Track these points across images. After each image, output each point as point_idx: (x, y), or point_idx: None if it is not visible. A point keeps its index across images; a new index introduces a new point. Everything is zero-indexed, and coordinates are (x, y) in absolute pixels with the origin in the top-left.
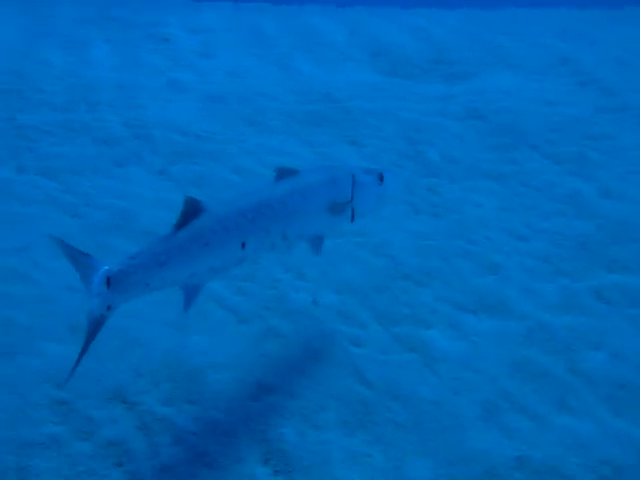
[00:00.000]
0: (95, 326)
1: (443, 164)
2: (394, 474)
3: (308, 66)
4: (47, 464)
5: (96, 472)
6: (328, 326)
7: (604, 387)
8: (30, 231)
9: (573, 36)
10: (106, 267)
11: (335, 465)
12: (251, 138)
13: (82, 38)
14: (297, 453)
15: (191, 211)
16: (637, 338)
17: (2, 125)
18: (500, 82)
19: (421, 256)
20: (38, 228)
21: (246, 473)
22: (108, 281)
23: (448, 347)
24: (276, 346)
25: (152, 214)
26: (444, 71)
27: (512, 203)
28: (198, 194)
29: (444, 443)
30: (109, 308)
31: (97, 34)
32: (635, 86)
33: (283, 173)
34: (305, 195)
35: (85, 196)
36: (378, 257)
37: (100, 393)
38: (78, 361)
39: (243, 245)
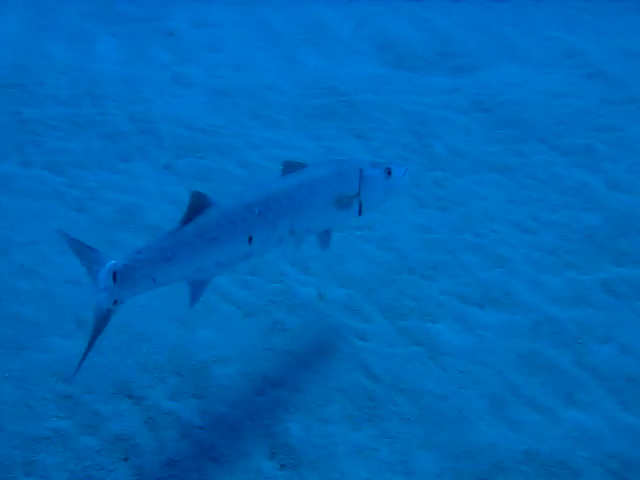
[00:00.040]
0: (102, 321)
1: (449, 157)
2: (400, 468)
3: (314, 59)
4: (53, 459)
5: (102, 467)
6: (334, 320)
7: (612, 381)
8: (36, 226)
9: (579, 27)
10: (112, 262)
11: (341, 459)
12: (257, 132)
13: (87, 32)
14: (303, 447)
15: (197, 205)
16: None
17: (7, 119)
18: (506, 74)
19: (427, 249)
20: (44, 223)
21: (252, 467)
22: (114, 276)
23: (454, 340)
24: (282, 340)
25: (158, 208)
26: (450, 63)
27: (519, 196)
28: (204, 188)
29: (450, 437)
30: (116, 303)
31: (102, 28)
32: None
33: (290, 167)
34: (312, 189)
35: (91, 191)
36: (384, 250)
37: (106, 388)
38: (85, 356)
39: (250, 239)
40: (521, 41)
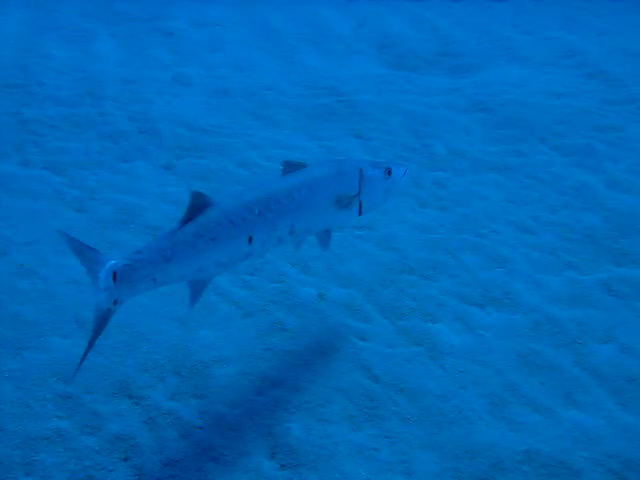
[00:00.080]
0: (102, 321)
1: (449, 157)
2: (400, 468)
3: (314, 59)
4: (53, 459)
5: (102, 466)
6: (334, 320)
7: (612, 381)
8: (36, 226)
9: (580, 27)
10: (113, 262)
11: (341, 459)
12: (257, 132)
13: (87, 32)
14: (303, 447)
15: (197, 205)
16: None
17: (7, 120)
18: (506, 74)
19: (427, 249)
20: (44, 223)
21: (252, 467)
22: (114, 276)
23: (454, 340)
24: (281, 340)
25: (158, 208)
26: (450, 63)
27: (519, 196)
28: (204, 188)
29: (450, 437)
30: (115, 303)
31: (102, 28)
32: None
33: (290, 167)
34: (312, 189)
35: (91, 191)
36: (384, 250)
37: (106, 388)
38: (84, 356)
39: (250, 240)
40: (521, 41)
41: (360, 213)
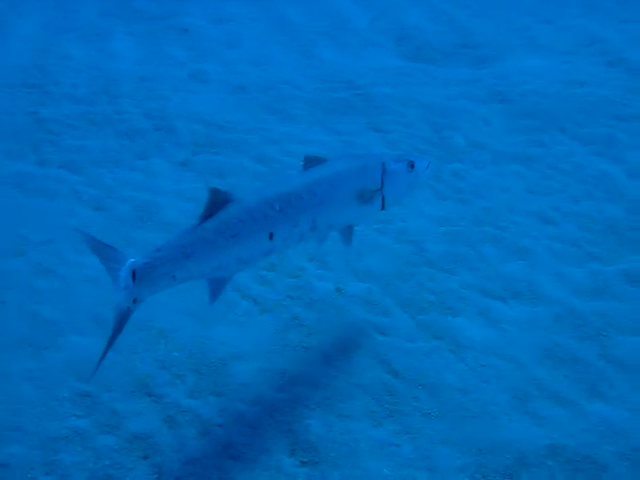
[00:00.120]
0: (121, 319)
1: (468, 149)
2: (423, 464)
3: (331, 53)
4: (72, 458)
5: (122, 465)
6: (352, 315)
7: (638, 373)
8: (53, 225)
9: (600, 15)
10: (132, 260)
11: (363, 456)
12: (274, 127)
13: (104, 31)
14: (324, 444)
15: (217, 202)
16: None
17: (25, 119)
18: (526, 64)
19: (446, 242)
20: (61, 221)
21: (272, 464)
22: (134, 274)
23: (476, 334)
24: (300, 336)
25: (175, 205)
26: (469, 55)
27: (539, 186)
28: (221, 184)
29: (473, 432)
30: (135, 301)
31: (119, 26)
32: None
33: (311, 162)
34: (334, 184)
35: (108, 189)
36: (402, 244)
37: (125, 386)
38: (104, 355)
39: (271, 236)
40: (541, 30)
41: (383, 207)
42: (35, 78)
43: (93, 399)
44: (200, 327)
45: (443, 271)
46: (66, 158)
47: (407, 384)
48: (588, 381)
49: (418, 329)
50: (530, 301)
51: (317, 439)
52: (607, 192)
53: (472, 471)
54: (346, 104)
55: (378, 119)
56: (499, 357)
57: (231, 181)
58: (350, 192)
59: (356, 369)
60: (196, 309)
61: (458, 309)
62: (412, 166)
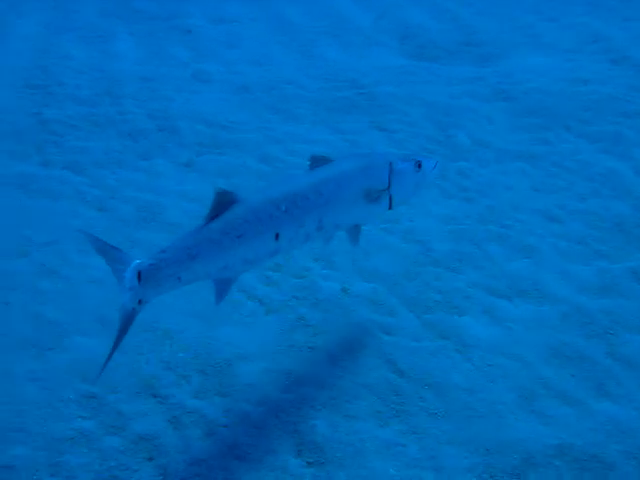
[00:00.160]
0: (127, 320)
1: (473, 147)
2: (429, 464)
3: (334, 52)
4: (78, 459)
5: (127, 467)
6: (358, 314)
7: None
8: (57, 225)
9: (604, 13)
10: (138, 261)
11: (369, 456)
12: (277, 126)
13: (105, 31)
14: (330, 444)
15: (223, 202)
16: None
17: (28, 120)
18: (530, 62)
19: (452, 241)
20: (65, 222)
21: (278, 465)
22: (139, 275)
23: (482, 333)
24: (306, 336)
25: (178, 206)
26: (472, 53)
27: (545, 184)
28: (225, 184)
29: (480, 431)
30: (141, 302)
31: (121, 27)
32: None
33: (317, 161)
34: (340, 184)
35: (111, 189)
36: (408, 243)
37: (130, 387)
38: (110, 356)
39: (277, 236)
40: (544, 28)
41: (390, 207)
42: (39, 79)
43: (99, 400)
44: (205, 328)
45: (449, 270)
46: (70, 159)
47: (413, 384)
48: (595, 380)
49: (424, 328)
50: (536, 299)
51: (323, 439)
52: (614, 189)
53: (479, 471)
54: (350, 103)
55: (382, 118)
56: (505, 356)
57: (235, 181)
58: (357, 192)
59: (362, 369)
60: (201, 310)
61: (464, 308)
62: (419, 165)
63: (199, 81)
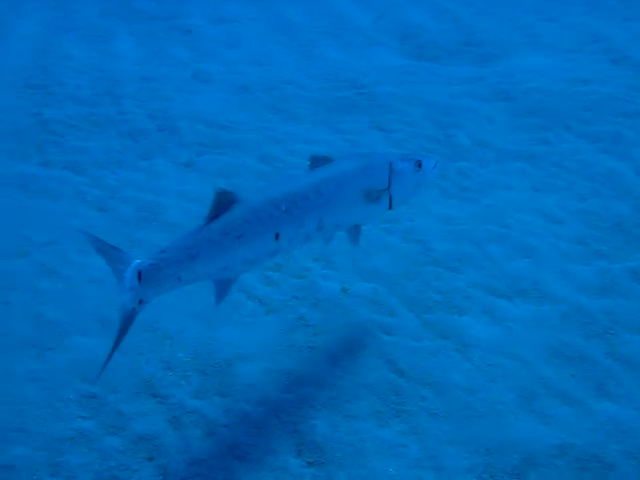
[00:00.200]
0: (127, 320)
1: (473, 147)
2: (429, 464)
3: (334, 52)
4: (78, 459)
5: (127, 467)
6: (358, 314)
7: None
8: (57, 226)
9: (604, 13)
10: (138, 261)
11: (369, 456)
12: (277, 126)
13: (105, 31)
14: (330, 444)
15: (223, 203)
16: None
17: (28, 120)
18: (530, 62)
19: (452, 241)
20: (65, 222)
21: (278, 465)
22: (140, 275)
23: (482, 333)
24: (305, 336)
25: (178, 206)
26: (472, 53)
27: (545, 184)
28: (225, 184)
29: (480, 431)
30: (141, 302)
31: (121, 27)
32: None
33: (317, 161)
34: (340, 184)
35: (111, 189)
36: (408, 243)
37: (130, 387)
38: (110, 356)
39: (277, 236)
40: (544, 28)
41: (390, 207)
42: (38, 79)
43: (99, 400)
44: (205, 328)
45: (449, 270)
46: (70, 159)
47: (413, 384)
48: (595, 380)
49: (424, 328)
50: (536, 299)
51: (323, 439)
52: (614, 189)
53: (479, 471)
54: (350, 103)
55: (382, 118)
56: (505, 356)
57: (235, 181)
58: (357, 192)
59: (362, 369)
60: (201, 310)
61: (464, 308)
62: (419, 165)
63: (199, 81)
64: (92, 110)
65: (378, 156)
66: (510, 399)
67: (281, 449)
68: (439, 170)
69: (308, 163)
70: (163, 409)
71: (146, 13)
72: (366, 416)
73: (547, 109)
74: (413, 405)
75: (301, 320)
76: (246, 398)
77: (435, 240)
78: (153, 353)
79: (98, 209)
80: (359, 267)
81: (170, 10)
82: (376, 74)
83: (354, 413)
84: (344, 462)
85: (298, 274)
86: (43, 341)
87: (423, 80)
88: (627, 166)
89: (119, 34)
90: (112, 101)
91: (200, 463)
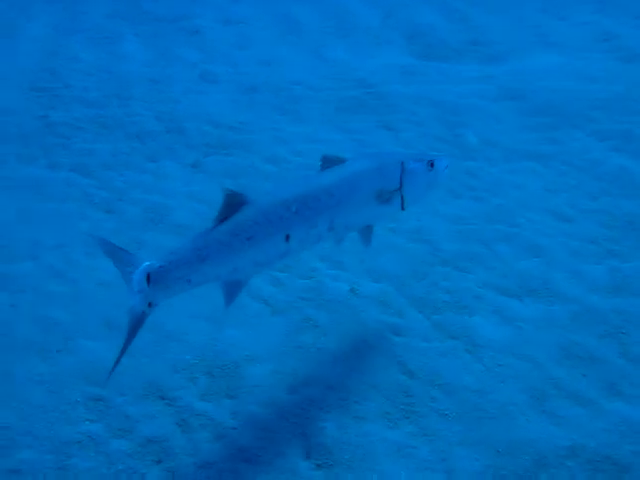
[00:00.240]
0: (136, 323)
1: (481, 146)
2: (440, 466)
3: (341, 52)
4: (85, 463)
5: (135, 470)
6: (366, 315)
7: None
8: (65, 228)
9: (614, 11)
10: (147, 263)
11: (379, 458)
12: (285, 127)
13: (113, 33)
14: (339, 446)
15: (232, 204)
16: None
17: (36, 123)
18: (539, 61)
19: (461, 241)
20: (73, 225)
21: (287, 468)
22: (149, 278)
23: (492, 333)
24: (313, 337)
25: (186, 207)
26: (481, 52)
27: (555, 184)
28: (233, 185)
29: (491, 433)
30: (150, 305)
31: (128, 28)
32: None
33: (329, 162)
34: (352, 184)
35: (119, 191)
36: (416, 243)
37: (137, 389)
38: (119, 359)
39: (287, 238)
40: (554, 27)
41: (403, 208)
42: (45, 81)
43: (106, 403)
44: (212, 329)
45: (458, 270)
46: (77, 161)
47: (423, 385)
48: (607, 380)
49: (433, 329)
50: (547, 299)
51: (332, 441)
52: (625, 188)
53: (490, 473)
54: (358, 103)
55: (390, 117)
56: (516, 356)
57: (242, 182)
58: (368, 192)
59: (371, 370)
60: (207, 311)
61: (474, 308)
62: (432, 165)
63: (207, 82)
64: (99, 112)
65: (390, 156)
66: (521, 400)
67: (290, 451)
68: (452, 170)
69: (319, 164)
70: (171, 411)
71: (154, 14)
72: (375, 417)
73: (556, 108)
74: (423, 406)
75: (308, 321)
76: (254, 400)
77: (443, 240)
78: (160, 355)
79: (105, 211)
80: (367, 267)
81: (178, 11)
82: (384, 73)
83: (363, 414)
84: (353, 464)
85: (305, 275)
86: (50, 344)
87: (431, 79)
88: (638, 164)
89: (127, 35)
90: (119, 103)
91: (209, 466)
